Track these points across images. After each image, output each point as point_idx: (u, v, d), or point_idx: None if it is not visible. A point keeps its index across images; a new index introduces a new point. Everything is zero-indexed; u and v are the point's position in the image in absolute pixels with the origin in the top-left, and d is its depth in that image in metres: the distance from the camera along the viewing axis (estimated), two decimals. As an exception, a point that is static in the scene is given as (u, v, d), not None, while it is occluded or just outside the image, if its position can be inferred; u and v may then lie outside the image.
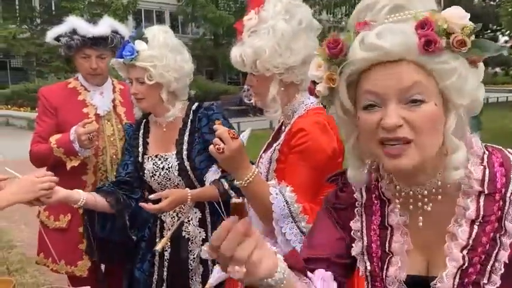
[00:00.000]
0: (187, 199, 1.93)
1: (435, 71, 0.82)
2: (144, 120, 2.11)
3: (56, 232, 2.38)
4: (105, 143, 2.40)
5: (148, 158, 2.03)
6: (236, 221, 0.75)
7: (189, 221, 2.03)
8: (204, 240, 2.02)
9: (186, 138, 1.98)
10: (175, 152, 1.98)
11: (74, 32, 2.31)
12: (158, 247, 1.88)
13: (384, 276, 0.96)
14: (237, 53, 1.56)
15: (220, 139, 1.38)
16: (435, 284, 0.91)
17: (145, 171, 2.01)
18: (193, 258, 2.02)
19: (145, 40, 1.89)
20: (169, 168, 1.98)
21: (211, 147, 1.41)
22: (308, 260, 1.02)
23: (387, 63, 0.83)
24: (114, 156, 2.42)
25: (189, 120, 2.01)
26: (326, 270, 1.00)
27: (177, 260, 2.02)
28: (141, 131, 2.10)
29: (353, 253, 1.01)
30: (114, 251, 2.04)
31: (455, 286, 0.89)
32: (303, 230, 1.44)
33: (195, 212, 2.02)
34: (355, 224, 1.02)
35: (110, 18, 2.51)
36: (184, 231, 2.02)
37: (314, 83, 0.93)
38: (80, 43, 2.31)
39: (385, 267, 0.96)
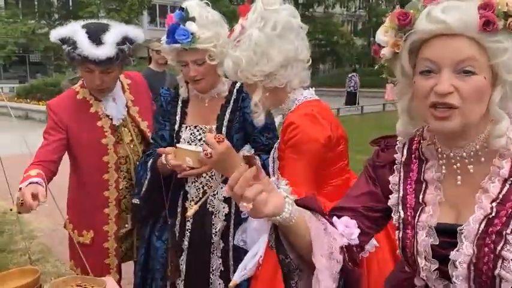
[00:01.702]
0: None
1: (489, 48, 0.93)
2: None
3: (82, 246, 2.19)
4: (127, 151, 2.26)
5: (186, 127, 2.05)
6: (247, 168, 0.94)
7: (214, 195, 2.05)
8: (227, 215, 2.04)
9: (227, 114, 2.02)
10: (215, 126, 2.00)
11: (74, 44, 1.99)
12: (189, 213, 1.90)
13: (415, 223, 1.05)
14: (225, 64, 1.62)
15: (208, 145, 1.49)
16: (462, 229, 0.99)
17: (181, 140, 2.02)
18: (215, 232, 2.04)
19: (193, 19, 1.86)
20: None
21: (201, 153, 1.51)
22: (335, 208, 1.15)
23: (447, 36, 0.94)
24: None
25: (232, 99, 2.05)
26: (351, 219, 1.11)
27: (198, 232, 2.04)
28: (180, 98, 2.11)
29: (389, 203, 1.11)
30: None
31: (479, 233, 0.97)
32: None
33: (222, 188, 2.03)
34: (393, 178, 1.12)
35: (118, 23, 2.18)
36: (209, 204, 2.04)
37: (379, 45, 1.05)
38: (81, 60, 2.00)
39: (417, 215, 1.06)
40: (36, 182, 1.86)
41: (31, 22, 24.12)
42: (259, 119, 1.64)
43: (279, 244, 1.04)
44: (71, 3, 26.58)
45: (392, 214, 1.11)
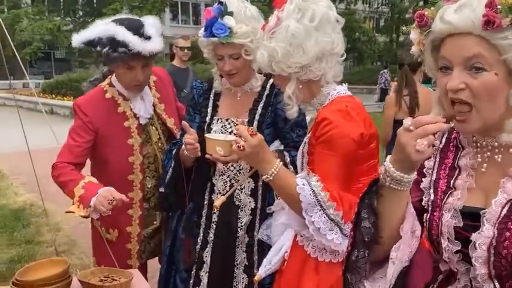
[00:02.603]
0: None
1: (498, 45, 0.95)
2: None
3: (108, 242, 2.19)
4: (155, 150, 2.26)
5: (217, 119, 2.08)
6: None
7: (241, 189, 2.07)
8: (253, 210, 2.06)
9: (259, 109, 2.05)
10: (247, 119, 2.03)
11: (116, 42, 1.98)
12: (217, 203, 1.94)
13: (442, 205, 1.09)
14: (258, 56, 1.61)
15: (241, 137, 1.48)
16: (485, 212, 1.02)
17: (212, 132, 2.05)
18: (241, 226, 2.06)
19: (231, 14, 1.89)
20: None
21: (233, 146, 1.50)
22: None
23: (457, 35, 0.98)
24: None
25: (265, 94, 2.07)
26: None
27: (224, 225, 2.07)
28: (213, 92, 2.15)
29: (421, 186, 1.14)
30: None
31: (501, 216, 0.99)
32: (332, 218, 1.46)
33: (249, 182, 2.06)
34: (428, 163, 1.15)
35: (150, 16, 2.21)
36: (236, 198, 2.06)
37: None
38: (127, 57, 2.00)
39: (446, 197, 1.09)
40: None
41: (56, 19, 24.52)
42: (292, 112, 1.64)
43: (371, 209, 1.04)
44: (95, 1, 26.95)
45: (423, 197, 1.14)
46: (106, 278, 1.77)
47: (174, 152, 2.11)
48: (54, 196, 5.56)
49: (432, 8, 1.08)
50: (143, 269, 2.38)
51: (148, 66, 2.13)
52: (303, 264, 1.56)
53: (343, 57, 1.63)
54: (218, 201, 1.90)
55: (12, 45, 2.62)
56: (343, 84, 1.66)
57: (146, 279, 2.40)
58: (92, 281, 1.75)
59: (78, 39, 2.11)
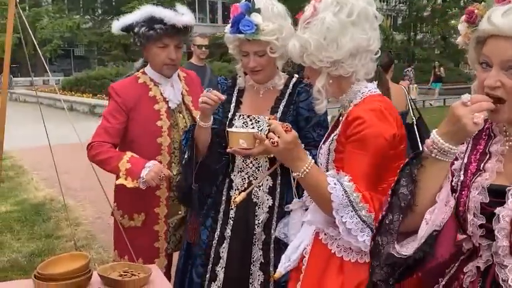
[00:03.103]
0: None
1: None
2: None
3: (132, 230, 2.30)
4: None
5: (239, 116, 2.09)
6: None
7: (259, 186, 2.07)
8: (271, 208, 2.05)
9: (281, 107, 2.05)
10: (268, 118, 2.01)
11: (153, 20, 2.16)
12: (237, 199, 1.95)
13: (471, 183, 1.16)
14: (290, 45, 1.58)
15: (274, 133, 1.44)
16: (510, 188, 1.09)
17: (233, 128, 2.06)
18: (258, 223, 2.06)
19: (259, 11, 1.89)
20: (258, 130, 2.01)
21: (266, 141, 1.47)
22: None
23: (501, 37, 1.05)
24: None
25: (288, 92, 2.08)
26: None
27: (241, 222, 2.07)
28: (236, 88, 2.16)
29: (452, 168, 1.21)
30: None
31: None
32: (364, 219, 1.43)
33: (267, 180, 2.06)
34: (461, 147, 1.20)
35: (181, 6, 2.33)
36: (254, 195, 2.07)
37: None
38: (163, 32, 2.16)
39: (475, 178, 1.16)
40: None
41: (76, 17, 24.90)
42: (321, 107, 1.61)
43: (411, 178, 1.16)
44: (113, -1, 27.26)
45: (453, 177, 1.21)
46: (125, 273, 1.79)
47: (191, 129, 2.15)
48: (74, 192, 5.70)
49: (483, 3, 1.12)
50: (168, 262, 2.42)
51: (180, 47, 2.27)
52: (326, 263, 1.54)
53: (378, 55, 1.58)
54: (239, 197, 1.90)
55: (36, 43, 2.66)
56: (374, 82, 1.62)
57: (170, 272, 2.44)
58: (112, 275, 1.76)
59: (117, 25, 2.29)
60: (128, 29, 2.25)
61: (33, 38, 2.61)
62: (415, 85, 15.88)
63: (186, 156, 2.14)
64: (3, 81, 2.70)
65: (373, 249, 1.21)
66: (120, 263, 1.95)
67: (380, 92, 1.60)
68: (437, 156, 1.10)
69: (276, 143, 1.43)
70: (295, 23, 1.71)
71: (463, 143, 1.20)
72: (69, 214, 4.28)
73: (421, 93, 17.27)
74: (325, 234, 1.57)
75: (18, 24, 2.60)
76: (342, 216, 1.44)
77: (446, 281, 1.23)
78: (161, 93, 2.31)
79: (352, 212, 1.43)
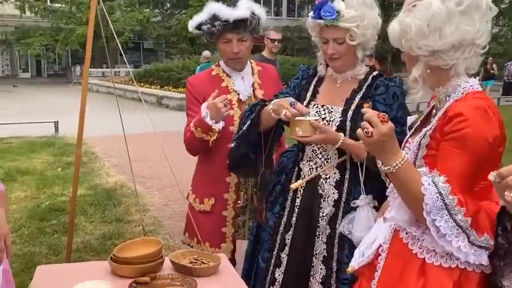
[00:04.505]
0: (338, 142, 1.95)
1: None
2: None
3: (201, 214, 2.43)
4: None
5: (314, 105, 2.08)
6: None
7: (326, 178, 2.05)
8: (337, 202, 2.03)
9: (357, 99, 2.02)
10: (342, 108, 2.01)
11: (214, 18, 2.27)
12: (293, 185, 1.91)
13: None
14: (389, 27, 1.49)
15: (369, 123, 1.36)
16: None
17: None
18: (322, 216, 2.04)
19: None
20: (330, 121, 2.01)
21: (359, 130, 1.39)
22: None
23: None
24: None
25: (366, 85, 2.04)
26: None
27: (306, 212, 2.07)
28: (316, 78, 2.16)
29: None
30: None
31: None
32: (460, 224, 1.34)
33: (335, 173, 2.04)
34: None
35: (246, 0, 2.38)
36: (319, 187, 2.05)
37: None
38: (222, 27, 2.26)
39: None
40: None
41: (146, 11, 25.80)
42: (416, 97, 1.51)
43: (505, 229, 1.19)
44: (182, -7, 27.94)
45: None
46: (196, 261, 1.84)
47: (257, 108, 2.11)
48: (143, 179, 5.94)
49: None
50: (233, 247, 2.49)
51: (244, 41, 2.33)
52: (406, 263, 1.47)
53: (485, 50, 1.46)
54: (296, 184, 1.90)
55: (116, 35, 2.78)
56: (476, 77, 1.51)
57: (234, 259, 2.50)
58: (182, 262, 1.82)
59: (192, 24, 2.41)
60: (198, 27, 2.38)
61: (113, 31, 2.73)
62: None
63: (244, 128, 2.13)
64: (84, 73, 2.85)
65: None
66: (189, 250, 2.00)
67: (481, 89, 1.48)
68: None
69: (370, 134, 1.35)
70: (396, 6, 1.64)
71: None
72: (138, 200, 4.46)
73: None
74: (406, 233, 1.50)
75: (99, 18, 2.73)
76: (435, 220, 1.35)
77: None
78: (232, 85, 2.41)
79: (447, 215, 1.34)
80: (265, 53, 5.26)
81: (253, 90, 2.44)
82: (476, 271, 1.39)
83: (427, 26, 1.39)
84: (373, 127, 1.35)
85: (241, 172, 2.29)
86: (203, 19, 2.32)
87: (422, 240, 1.45)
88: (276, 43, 5.19)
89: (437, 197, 1.33)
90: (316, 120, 1.95)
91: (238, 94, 2.40)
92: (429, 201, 1.34)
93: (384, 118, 1.36)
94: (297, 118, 1.91)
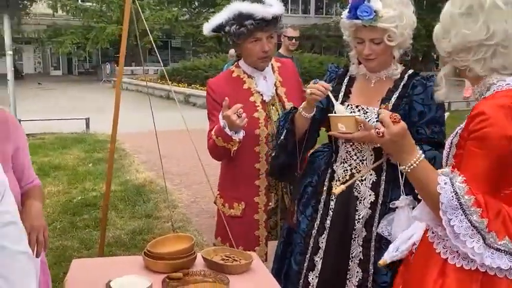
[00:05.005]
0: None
1: None
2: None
3: (232, 219, 2.35)
4: (274, 129, 2.30)
5: (348, 105, 2.04)
6: None
7: (362, 180, 2.02)
8: (373, 204, 1.99)
9: (393, 99, 1.97)
10: (378, 108, 1.95)
11: (242, 17, 2.14)
12: (336, 191, 1.90)
13: None
14: (435, 28, 1.49)
15: (382, 123, 1.39)
16: None
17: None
18: (358, 218, 2.01)
19: None
20: (360, 115, 1.95)
21: (372, 130, 1.42)
22: None
23: None
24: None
25: (402, 84, 2.00)
26: None
27: (341, 214, 2.03)
28: (347, 78, 2.12)
29: None
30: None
31: None
32: (475, 224, 1.31)
33: (371, 174, 2.01)
34: None
35: None
36: (355, 189, 2.02)
37: None
38: (253, 27, 2.14)
39: None
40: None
41: (174, 9, 26.08)
42: (439, 94, 1.52)
43: None
44: (210, -9, 28.12)
45: None
46: (228, 258, 1.84)
47: (291, 113, 2.12)
48: (172, 176, 6.01)
49: None
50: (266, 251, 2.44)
51: (273, 37, 2.25)
52: (428, 262, 1.45)
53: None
54: (338, 189, 1.85)
55: (150, 34, 2.81)
56: None
57: (266, 259, 2.43)
58: (215, 259, 1.82)
59: (207, 27, 2.28)
60: (218, 29, 2.25)
61: (147, 29, 2.75)
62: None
63: (282, 138, 2.12)
64: (119, 70, 2.89)
65: None
66: (221, 247, 2.01)
67: None
68: None
69: (381, 134, 1.39)
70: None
71: None
72: (167, 197, 4.50)
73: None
74: (432, 232, 1.48)
75: (133, 16, 2.75)
76: (450, 219, 1.33)
77: None
78: (255, 86, 2.33)
79: (462, 215, 1.32)
80: (282, 51, 5.19)
81: (276, 89, 2.37)
82: (498, 275, 1.34)
83: (442, 27, 1.43)
84: (385, 127, 1.38)
85: (281, 178, 2.28)
86: (224, 20, 2.19)
87: (447, 240, 1.41)
88: (294, 41, 5.12)
89: (452, 196, 1.32)
90: (359, 116, 1.91)
91: (261, 95, 2.32)
92: (444, 200, 1.33)
93: (395, 119, 1.39)
94: (341, 115, 1.88)
